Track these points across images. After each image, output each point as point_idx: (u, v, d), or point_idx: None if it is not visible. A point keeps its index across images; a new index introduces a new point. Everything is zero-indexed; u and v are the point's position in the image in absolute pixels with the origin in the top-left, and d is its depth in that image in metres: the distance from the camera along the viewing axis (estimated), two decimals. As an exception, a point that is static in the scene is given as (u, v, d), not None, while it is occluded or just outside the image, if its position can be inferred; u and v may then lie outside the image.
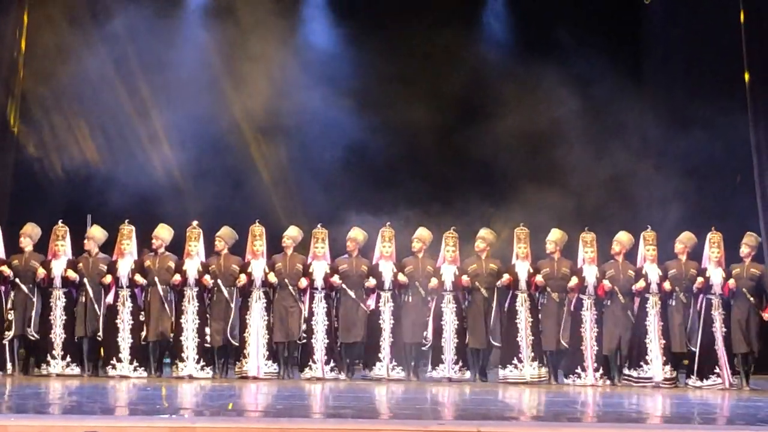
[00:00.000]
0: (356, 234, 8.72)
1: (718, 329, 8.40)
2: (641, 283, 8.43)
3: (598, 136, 9.39)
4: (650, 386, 8.33)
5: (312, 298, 8.54)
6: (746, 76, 9.01)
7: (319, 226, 8.70)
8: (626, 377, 8.47)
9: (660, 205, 9.14)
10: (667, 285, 8.41)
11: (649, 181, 9.38)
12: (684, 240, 8.62)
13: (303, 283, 8.48)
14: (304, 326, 8.49)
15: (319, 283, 8.54)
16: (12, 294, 8.60)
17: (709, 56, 9.11)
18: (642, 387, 8.33)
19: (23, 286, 8.56)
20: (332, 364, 8.47)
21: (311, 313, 8.51)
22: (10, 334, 8.50)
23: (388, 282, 8.57)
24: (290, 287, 8.49)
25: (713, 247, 8.52)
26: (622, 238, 8.65)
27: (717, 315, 8.42)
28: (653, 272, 8.49)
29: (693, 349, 8.40)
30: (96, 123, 10.05)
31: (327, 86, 9.54)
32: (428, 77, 9.40)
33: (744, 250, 8.53)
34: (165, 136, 10.02)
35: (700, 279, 8.39)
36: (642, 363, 8.41)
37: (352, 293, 8.52)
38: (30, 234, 8.73)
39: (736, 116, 9.05)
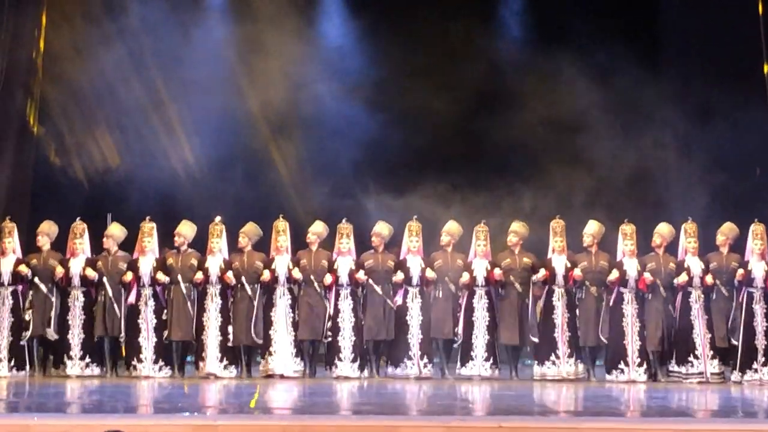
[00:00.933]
0: (381, 228, 8.62)
1: (759, 323, 8.22)
2: (684, 277, 8.27)
3: (622, 126, 9.28)
4: (698, 381, 8.19)
5: (338, 295, 8.44)
6: (765, 68, 9.10)
7: (344, 221, 8.60)
8: (674, 373, 8.31)
9: (688, 197, 9.00)
10: (709, 278, 8.27)
11: (675, 172, 9.24)
12: (726, 231, 8.46)
13: (328, 279, 8.38)
14: (329, 324, 8.39)
15: (344, 279, 8.44)
16: (30, 294, 8.58)
17: (726, 48, 9.14)
18: (690, 383, 8.18)
19: (42, 286, 8.52)
20: (359, 362, 8.37)
21: (337, 311, 8.41)
22: (27, 335, 8.45)
23: (416, 277, 8.45)
24: (315, 284, 8.40)
25: (756, 238, 8.34)
26: (663, 230, 8.48)
27: (758, 309, 8.24)
28: (695, 265, 8.33)
29: (735, 343, 8.24)
30: (115, 121, 10.07)
31: (343, 79, 9.51)
32: (445, 68, 9.34)
33: None
34: (184, 132, 10.01)
35: (740, 271, 8.23)
36: (691, 358, 8.25)
37: (378, 289, 8.41)
38: (48, 232, 8.70)
39: (754, 107, 9.08)
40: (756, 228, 8.41)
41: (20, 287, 8.59)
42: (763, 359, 8.17)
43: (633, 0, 9.65)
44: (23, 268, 8.51)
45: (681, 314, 8.32)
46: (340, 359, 8.38)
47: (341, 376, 8.32)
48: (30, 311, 8.54)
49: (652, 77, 9.23)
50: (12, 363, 8.39)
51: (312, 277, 8.42)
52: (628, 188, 9.49)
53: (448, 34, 9.47)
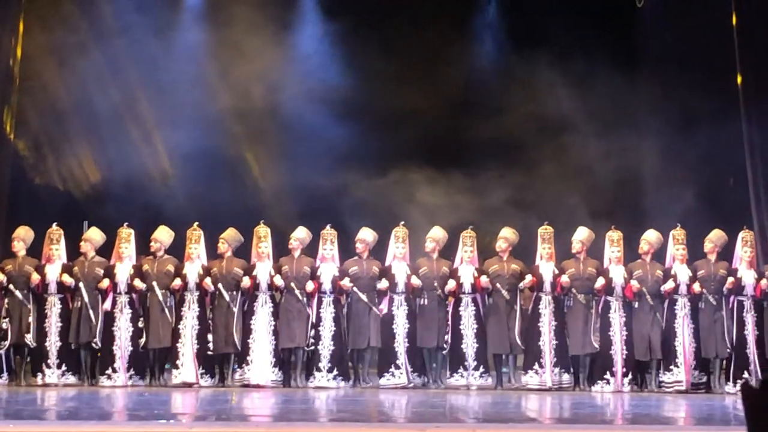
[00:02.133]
0: (365, 234, 8.70)
1: (750, 332, 8.32)
2: (670, 284, 8.34)
3: (604, 132, 9.43)
4: (678, 391, 8.27)
5: (320, 303, 8.47)
6: (739, 78, 9.39)
7: (328, 226, 8.65)
8: (662, 383, 8.39)
9: (674, 203, 9.19)
10: (696, 286, 8.35)
11: (660, 178, 9.45)
12: (714, 239, 8.54)
13: (310, 286, 8.43)
14: (312, 332, 8.44)
15: (327, 286, 8.48)
16: (6, 301, 8.62)
17: (702, 57, 9.47)
18: (672, 393, 8.26)
19: (17, 292, 8.54)
20: (336, 372, 8.39)
21: (318, 319, 8.44)
22: (5, 344, 8.45)
23: (402, 284, 8.50)
24: (297, 291, 8.45)
25: (745, 246, 8.45)
26: (651, 237, 8.56)
27: (749, 317, 8.35)
28: (683, 273, 8.41)
29: (728, 351, 8.33)
30: (92, 127, 10.16)
31: (319, 83, 9.66)
32: (420, 74, 9.49)
33: None
34: (162, 137, 10.10)
35: (731, 279, 8.31)
36: (672, 367, 8.33)
37: (363, 296, 8.45)
38: (23, 237, 8.72)
39: (729, 116, 9.35)
40: (745, 235, 8.52)
41: None
42: (758, 369, 8.25)
43: (611, 8, 9.85)
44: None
45: (666, 322, 8.41)
46: (318, 369, 8.40)
47: (318, 386, 8.34)
48: (6, 319, 8.56)
49: (631, 84, 9.42)
50: None
51: (293, 284, 8.45)
52: (614, 194, 9.61)
53: (424, 40, 9.60)
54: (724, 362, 8.41)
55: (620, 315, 8.40)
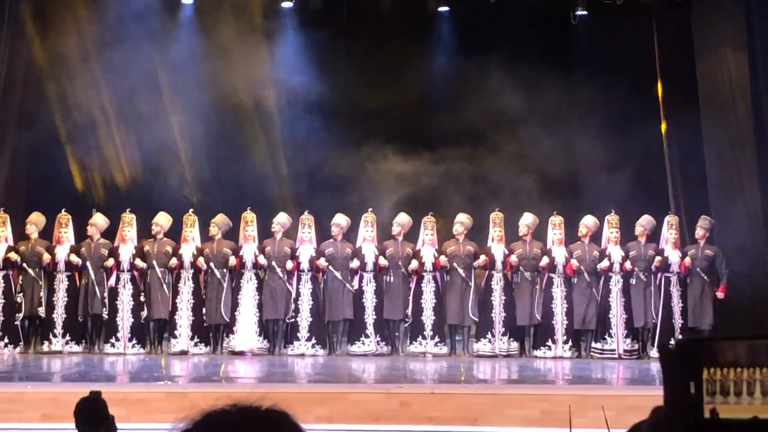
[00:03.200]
0: (340, 219, 9.70)
1: (676, 304, 9.44)
2: (605, 263, 9.45)
3: (547, 130, 10.64)
4: (611, 357, 9.35)
5: (299, 280, 9.52)
6: (659, 86, 10.63)
7: (305, 212, 9.71)
8: (595, 350, 9.47)
9: (609, 191, 10.23)
10: (627, 264, 9.43)
11: (596, 170, 10.50)
12: (643, 223, 9.63)
13: (289, 265, 9.46)
14: (292, 306, 9.45)
15: (305, 265, 9.52)
16: (20, 278, 9.59)
17: (627, 68, 10.63)
18: (607, 359, 9.34)
19: (30, 270, 9.53)
20: (314, 341, 9.42)
21: (298, 294, 9.48)
22: (20, 316, 9.49)
23: (371, 264, 9.54)
24: (278, 269, 9.48)
25: (671, 229, 9.56)
26: (588, 221, 9.66)
27: (674, 291, 9.48)
28: (616, 253, 9.51)
29: (654, 322, 9.40)
30: (96, 125, 10.79)
31: (298, 89, 10.60)
32: (387, 78, 10.52)
33: (699, 232, 9.59)
34: (159, 133, 10.82)
35: (658, 258, 9.41)
36: (606, 336, 9.41)
37: (338, 274, 9.48)
38: (35, 222, 9.71)
39: (652, 117, 10.58)
40: (671, 219, 9.68)
41: (11, 272, 9.59)
42: (680, 337, 9.29)
43: (550, 22, 10.99)
44: (12, 255, 9.52)
45: (602, 297, 9.51)
46: (297, 338, 9.46)
47: (297, 353, 9.39)
48: (21, 294, 9.55)
49: (569, 87, 10.52)
50: (5, 340, 9.42)
51: (274, 263, 9.49)
52: (557, 183, 10.65)
53: (388, 49, 10.63)
54: (651, 331, 9.50)
55: (561, 290, 9.48)
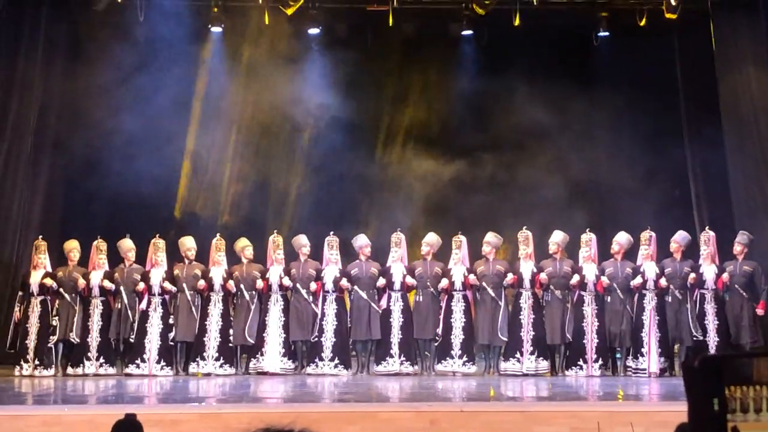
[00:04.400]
0: (363, 240, 9.72)
1: (711, 321, 9.22)
2: (638, 280, 9.30)
3: (575, 146, 10.67)
4: (646, 376, 9.15)
5: (324, 300, 9.56)
6: (681, 103, 10.80)
7: (331, 233, 9.76)
8: (629, 368, 9.30)
9: (639, 209, 10.15)
10: (663, 281, 9.25)
11: (632, 186, 10.48)
12: (678, 239, 9.49)
13: (313, 286, 9.53)
14: (317, 326, 9.48)
15: (329, 286, 9.54)
16: (57, 302, 9.76)
17: (648, 86, 10.80)
18: (640, 377, 9.16)
19: (66, 296, 9.71)
20: (337, 360, 9.43)
21: (323, 314, 9.53)
22: (54, 339, 9.67)
23: (398, 283, 9.54)
24: (303, 290, 9.54)
25: (706, 245, 9.37)
26: (620, 238, 9.53)
27: (710, 308, 9.26)
28: (651, 270, 9.34)
29: (696, 338, 9.14)
30: (127, 150, 11.00)
31: (329, 113, 10.73)
32: (416, 98, 10.66)
33: (737, 248, 9.37)
34: (187, 155, 11.03)
35: (692, 275, 9.23)
36: (639, 355, 9.24)
37: (363, 294, 9.50)
38: (73, 249, 9.90)
39: (673, 136, 10.66)
40: (706, 235, 9.47)
41: (49, 298, 9.74)
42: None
43: (573, 42, 11.09)
44: (48, 281, 9.72)
45: (635, 314, 9.34)
46: (321, 358, 9.48)
47: (320, 373, 9.38)
48: (56, 318, 9.68)
49: (591, 107, 10.59)
50: (37, 363, 9.56)
51: (298, 285, 9.56)
52: (588, 199, 10.59)
53: (416, 71, 10.88)
54: (685, 349, 9.29)
55: (593, 308, 9.34)
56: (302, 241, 9.74)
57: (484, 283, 9.42)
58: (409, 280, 9.49)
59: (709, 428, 1.83)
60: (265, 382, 9.10)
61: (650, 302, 9.27)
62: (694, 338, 9.17)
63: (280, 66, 10.64)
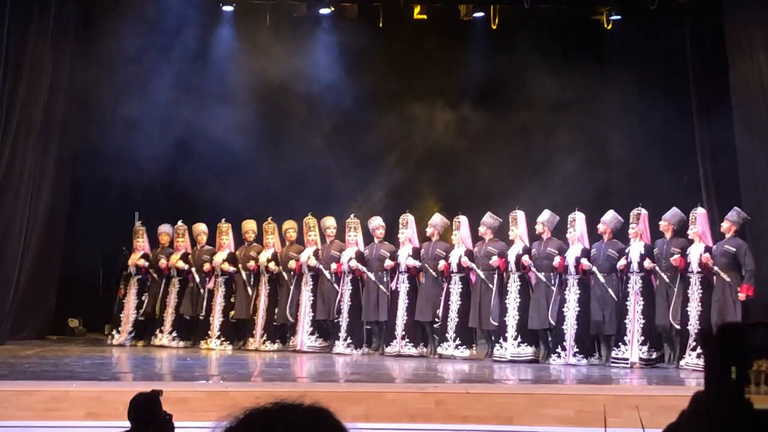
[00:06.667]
0: (377, 221, 9.91)
1: (694, 308, 8.32)
2: (622, 262, 8.56)
3: (577, 131, 10.66)
4: (626, 367, 8.42)
5: (343, 281, 9.93)
6: (691, 90, 10.82)
7: (351, 216, 10.09)
8: (612, 358, 8.65)
9: (637, 187, 10.09)
10: (647, 263, 8.44)
11: (626, 166, 10.44)
12: (667, 217, 8.66)
13: (334, 267, 9.90)
14: (336, 306, 9.88)
15: (344, 267, 9.84)
16: (149, 281, 11.15)
17: (659, 69, 11.08)
18: (621, 368, 8.44)
19: (155, 275, 11.05)
20: (349, 340, 9.81)
21: (341, 295, 9.89)
22: (141, 311, 11.04)
23: (403, 265, 9.59)
24: (326, 272, 9.97)
25: (693, 224, 8.42)
26: (606, 218, 8.88)
27: (694, 293, 8.32)
28: (635, 250, 8.58)
29: (677, 326, 8.38)
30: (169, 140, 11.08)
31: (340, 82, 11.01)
32: (427, 84, 11.04)
33: (724, 225, 8.45)
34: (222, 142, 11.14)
35: (675, 257, 8.36)
36: (620, 343, 8.56)
37: (371, 276, 9.73)
38: (162, 233, 11.06)
39: (683, 120, 10.69)
40: (693, 213, 8.48)
41: (148, 276, 10.99)
42: (693, 344, 8.23)
43: (586, 26, 11.10)
44: (141, 261, 11.08)
45: (619, 300, 8.63)
46: (338, 338, 9.94)
47: (336, 353, 9.81)
48: (145, 294, 11.19)
49: (601, 89, 10.56)
50: (132, 334, 11.07)
51: (321, 267, 9.99)
52: (583, 179, 10.25)
53: (435, 60, 11.10)
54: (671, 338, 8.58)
55: (575, 292, 8.76)
56: (327, 223, 10.08)
57: (474, 266, 9.19)
58: (410, 262, 9.47)
59: (726, 397, 1.75)
60: (291, 360, 9.42)
61: (634, 285, 8.52)
62: (674, 327, 8.31)
63: (291, 46, 10.93)
